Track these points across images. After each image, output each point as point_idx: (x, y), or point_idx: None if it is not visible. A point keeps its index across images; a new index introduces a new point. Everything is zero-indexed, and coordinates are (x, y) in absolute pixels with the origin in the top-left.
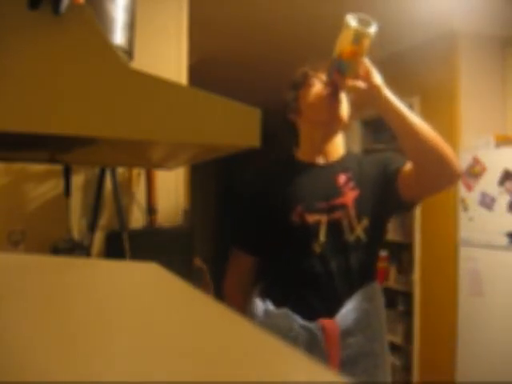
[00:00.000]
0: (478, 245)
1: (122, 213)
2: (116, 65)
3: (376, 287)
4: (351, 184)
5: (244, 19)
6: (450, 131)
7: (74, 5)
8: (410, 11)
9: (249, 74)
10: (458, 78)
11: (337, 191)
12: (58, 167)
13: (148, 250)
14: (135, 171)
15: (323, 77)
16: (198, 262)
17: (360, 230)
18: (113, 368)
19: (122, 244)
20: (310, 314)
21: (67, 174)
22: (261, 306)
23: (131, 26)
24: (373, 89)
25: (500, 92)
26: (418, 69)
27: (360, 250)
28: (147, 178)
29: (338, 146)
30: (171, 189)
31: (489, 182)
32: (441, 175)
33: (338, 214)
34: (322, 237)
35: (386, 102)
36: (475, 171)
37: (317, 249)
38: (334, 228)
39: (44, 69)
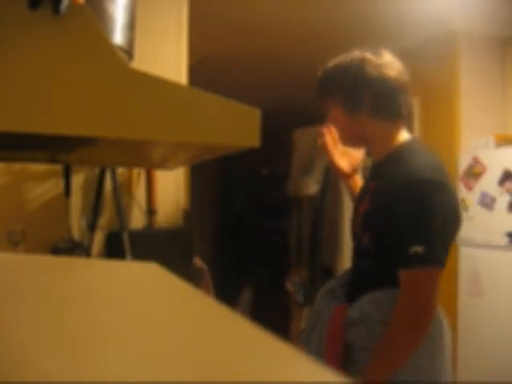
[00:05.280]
0: (478, 245)
1: (121, 213)
2: (116, 65)
3: (388, 293)
4: (369, 195)
5: (244, 19)
6: (450, 131)
7: (74, 5)
8: (410, 11)
9: (249, 74)
10: (457, 77)
11: (363, 197)
12: (58, 167)
13: (148, 251)
14: (135, 171)
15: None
16: (198, 262)
17: (366, 242)
18: (112, 368)
19: (122, 244)
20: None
21: (67, 174)
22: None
23: (131, 26)
24: None
25: (500, 92)
26: (417, 69)
27: (369, 257)
28: (147, 178)
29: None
30: (171, 189)
31: (489, 182)
32: None
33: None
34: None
35: None
36: (475, 171)
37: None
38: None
39: (44, 69)
